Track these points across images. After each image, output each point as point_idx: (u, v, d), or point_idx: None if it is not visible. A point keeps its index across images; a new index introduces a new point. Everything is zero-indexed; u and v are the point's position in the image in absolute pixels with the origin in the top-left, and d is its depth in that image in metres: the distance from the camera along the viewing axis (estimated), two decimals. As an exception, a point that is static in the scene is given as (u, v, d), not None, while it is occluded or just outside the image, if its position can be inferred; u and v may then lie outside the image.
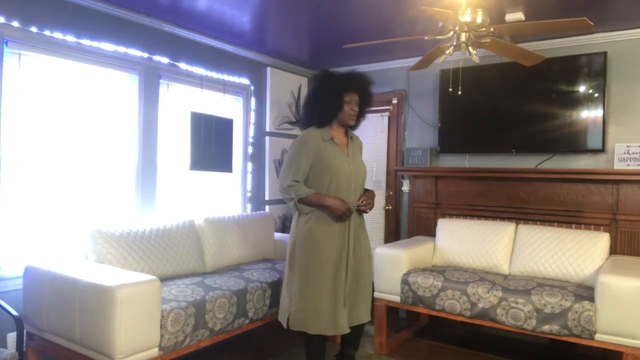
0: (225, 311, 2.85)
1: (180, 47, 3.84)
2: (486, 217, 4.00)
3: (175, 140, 3.85)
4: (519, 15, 3.21)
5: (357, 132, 2.98)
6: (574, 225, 3.66)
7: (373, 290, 3.15)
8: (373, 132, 4.81)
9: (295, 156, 2.64)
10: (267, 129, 4.67)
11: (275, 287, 3.24)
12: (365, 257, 2.78)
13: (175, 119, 3.85)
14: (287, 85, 4.89)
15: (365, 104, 2.80)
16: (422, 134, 4.53)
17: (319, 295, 2.57)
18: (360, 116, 2.81)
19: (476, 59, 2.76)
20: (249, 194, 4.52)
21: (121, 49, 3.40)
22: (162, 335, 2.46)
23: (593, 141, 3.62)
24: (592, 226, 3.59)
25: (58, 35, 3.05)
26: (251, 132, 4.55)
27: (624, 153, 3.48)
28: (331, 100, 2.67)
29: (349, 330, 2.66)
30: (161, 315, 2.47)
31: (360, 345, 2.98)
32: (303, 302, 2.60)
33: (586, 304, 2.80)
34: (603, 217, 3.55)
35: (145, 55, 3.57)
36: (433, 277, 3.37)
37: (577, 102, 3.67)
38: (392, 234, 4.66)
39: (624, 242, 3.47)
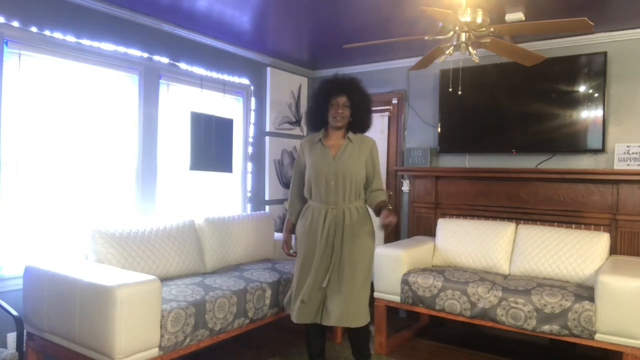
0: (225, 311, 2.85)
1: (180, 47, 3.84)
2: (486, 217, 4.00)
3: (175, 140, 3.85)
4: (519, 15, 3.21)
5: None
6: (574, 225, 3.66)
7: (373, 291, 3.16)
8: (373, 132, 4.75)
9: (294, 168, 2.96)
10: (267, 129, 4.67)
11: (275, 287, 3.24)
12: (352, 257, 2.69)
13: (175, 119, 3.85)
14: (287, 85, 4.88)
15: (361, 104, 2.78)
16: (422, 134, 4.53)
17: (298, 285, 2.80)
18: (362, 116, 2.79)
19: (476, 59, 2.76)
20: (249, 194, 4.52)
21: (121, 49, 3.40)
22: (162, 335, 2.46)
23: (593, 141, 3.62)
24: (592, 226, 3.59)
25: (58, 35, 3.05)
26: (251, 132, 4.54)
27: (624, 153, 3.48)
28: (319, 105, 2.80)
29: (315, 321, 2.72)
30: (161, 315, 2.47)
31: (370, 353, 2.92)
32: (291, 290, 2.89)
33: (586, 304, 2.80)
34: (603, 217, 3.55)
35: (145, 55, 3.57)
36: (433, 277, 3.37)
37: (577, 102, 3.67)
38: (392, 234, 4.66)
39: (624, 242, 3.47)
